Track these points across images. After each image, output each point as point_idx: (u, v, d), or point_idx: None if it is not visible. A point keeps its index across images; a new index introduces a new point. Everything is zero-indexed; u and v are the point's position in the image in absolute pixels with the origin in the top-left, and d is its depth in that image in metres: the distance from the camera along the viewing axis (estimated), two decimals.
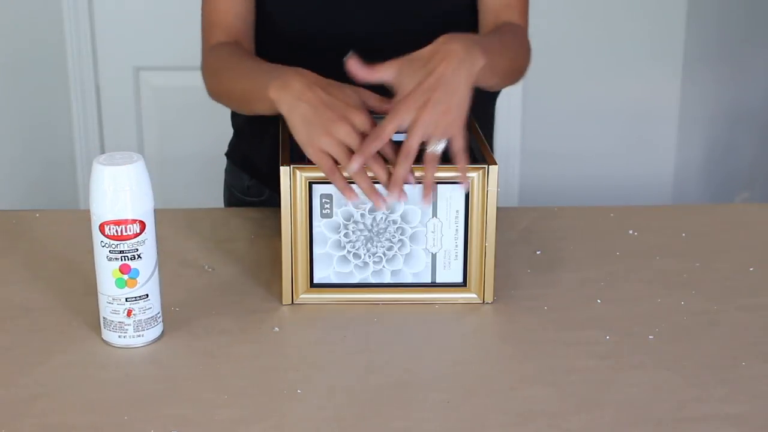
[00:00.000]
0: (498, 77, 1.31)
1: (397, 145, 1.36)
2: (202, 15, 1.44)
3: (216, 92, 1.40)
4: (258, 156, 1.56)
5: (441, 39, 1.18)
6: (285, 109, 1.19)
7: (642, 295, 1.26)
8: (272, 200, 1.49)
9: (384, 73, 1.18)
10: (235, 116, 1.60)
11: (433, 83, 1.14)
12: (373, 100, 1.21)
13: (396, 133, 1.16)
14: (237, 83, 1.33)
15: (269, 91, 1.20)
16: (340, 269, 1.21)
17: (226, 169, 1.65)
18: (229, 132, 1.65)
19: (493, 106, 1.60)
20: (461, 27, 1.29)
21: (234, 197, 1.62)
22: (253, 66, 1.33)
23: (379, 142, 1.14)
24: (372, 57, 1.19)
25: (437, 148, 1.15)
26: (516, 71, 1.39)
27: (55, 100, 2.76)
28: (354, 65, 1.18)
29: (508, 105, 2.77)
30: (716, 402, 1.03)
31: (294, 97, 1.18)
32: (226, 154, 1.64)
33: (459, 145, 1.15)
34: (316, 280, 1.22)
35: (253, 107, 1.29)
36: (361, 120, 1.16)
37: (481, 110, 1.36)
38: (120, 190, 1.07)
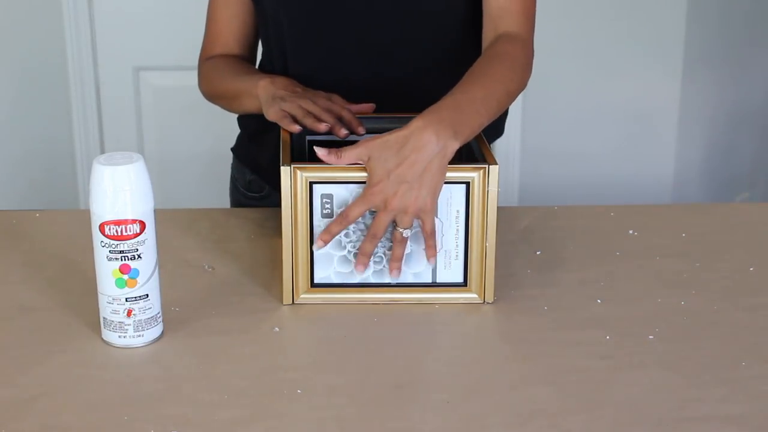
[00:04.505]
0: (487, 121, 1.26)
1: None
2: (206, 24, 1.55)
3: (209, 94, 1.53)
4: (260, 152, 1.57)
5: (415, 123, 1.15)
6: (264, 98, 1.35)
7: (642, 295, 1.26)
8: (272, 196, 1.53)
9: (355, 154, 1.16)
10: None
11: (404, 173, 1.14)
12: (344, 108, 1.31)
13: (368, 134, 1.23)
14: (230, 84, 1.46)
15: (258, 88, 1.37)
16: (341, 269, 1.21)
17: (232, 164, 1.67)
18: (229, 131, 1.66)
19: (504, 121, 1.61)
20: (454, 61, 1.38)
21: (237, 191, 1.65)
22: (245, 69, 1.48)
23: (345, 223, 1.17)
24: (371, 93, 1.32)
25: (406, 231, 1.17)
26: (508, 99, 1.34)
27: (55, 100, 2.76)
28: (322, 152, 1.17)
29: None
30: (716, 402, 1.03)
31: (275, 89, 1.34)
32: (231, 149, 1.66)
33: (429, 228, 1.18)
34: (316, 280, 1.22)
35: (242, 103, 1.44)
36: (323, 99, 1.30)
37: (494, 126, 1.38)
38: (120, 190, 1.07)
